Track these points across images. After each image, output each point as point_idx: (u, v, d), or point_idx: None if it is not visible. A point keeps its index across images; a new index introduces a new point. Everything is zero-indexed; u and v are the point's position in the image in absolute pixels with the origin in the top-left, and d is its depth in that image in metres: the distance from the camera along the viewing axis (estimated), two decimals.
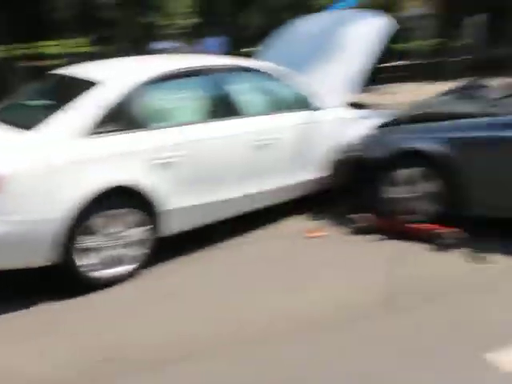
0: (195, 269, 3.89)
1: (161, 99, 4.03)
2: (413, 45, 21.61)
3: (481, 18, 18.19)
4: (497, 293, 3.32)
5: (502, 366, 2.57)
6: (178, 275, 3.79)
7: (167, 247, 3.91)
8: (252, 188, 4.34)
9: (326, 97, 4.93)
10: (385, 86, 14.61)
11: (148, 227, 3.74)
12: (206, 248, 4.19)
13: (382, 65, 16.50)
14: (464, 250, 3.89)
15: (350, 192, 4.74)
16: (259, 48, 7.16)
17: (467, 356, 2.67)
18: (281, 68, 4.82)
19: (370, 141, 4.63)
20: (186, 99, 4.20)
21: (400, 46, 18.57)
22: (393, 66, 19.01)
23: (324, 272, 3.73)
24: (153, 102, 3.96)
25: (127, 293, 3.56)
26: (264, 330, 3.02)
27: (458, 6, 17.39)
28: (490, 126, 4.00)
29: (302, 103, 4.82)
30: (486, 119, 4.07)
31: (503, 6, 16.16)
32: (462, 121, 4.15)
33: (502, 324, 2.95)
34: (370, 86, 11.24)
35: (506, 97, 4.91)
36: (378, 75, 15.54)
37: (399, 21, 16.16)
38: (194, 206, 3.98)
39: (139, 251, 3.74)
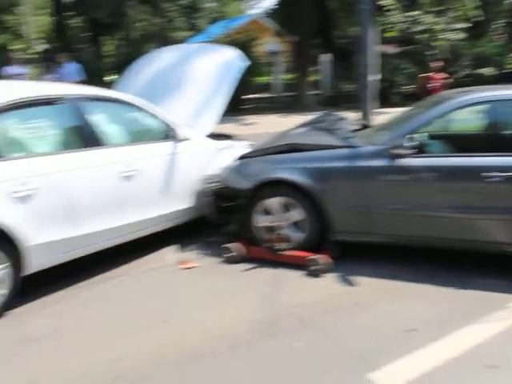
0: (60, 309, 3.61)
1: (14, 129, 3.69)
2: (269, 79, 22.77)
3: (327, 58, 19.80)
4: (367, 312, 3.50)
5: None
6: (43, 317, 3.49)
7: (30, 286, 3.62)
8: (117, 221, 4.16)
9: (189, 128, 4.94)
10: (245, 117, 15.14)
11: (6, 266, 3.40)
12: (73, 286, 3.95)
13: (242, 96, 17.18)
14: (334, 274, 4.06)
15: (221, 222, 4.75)
16: (118, 78, 6.98)
17: (349, 377, 2.77)
18: (140, 99, 4.72)
19: (233, 171, 4.69)
20: (42, 129, 3.88)
21: (255, 80, 19.41)
22: (252, 99, 19.82)
23: (199, 302, 3.67)
24: (5, 131, 3.63)
25: None
26: (139, 366, 2.87)
27: (308, 45, 18.73)
28: (350, 157, 4.20)
29: (165, 134, 4.76)
30: (346, 150, 4.24)
31: (347, 48, 17.72)
32: (324, 152, 4.30)
33: (375, 342, 3.10)
34: (231, 117, 11.54)
35: (361, 129, 5.30)
36: (238, 107, 16.11)
37: (255, 56, 17.06)
38: (56, 241, 3.70)
39: None
